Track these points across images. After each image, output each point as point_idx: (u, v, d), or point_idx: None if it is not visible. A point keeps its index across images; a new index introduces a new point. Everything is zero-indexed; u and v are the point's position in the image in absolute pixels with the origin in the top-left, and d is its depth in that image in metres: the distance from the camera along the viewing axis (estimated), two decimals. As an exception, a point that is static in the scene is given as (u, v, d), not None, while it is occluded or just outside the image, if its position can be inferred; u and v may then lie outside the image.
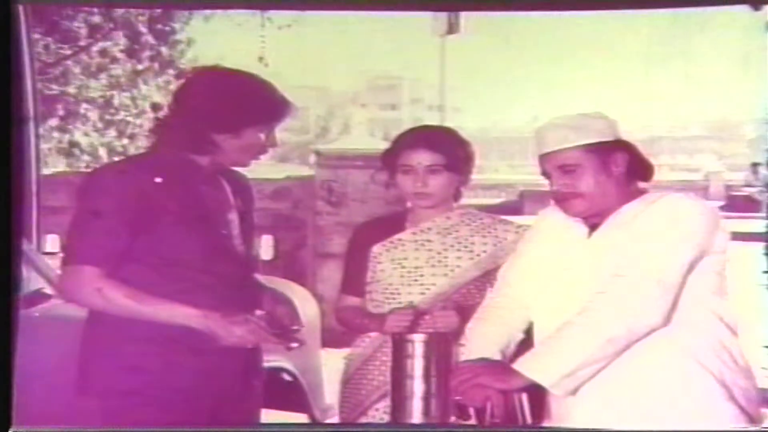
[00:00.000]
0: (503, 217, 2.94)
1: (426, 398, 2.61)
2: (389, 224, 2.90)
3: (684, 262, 2.33)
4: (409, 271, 2.81)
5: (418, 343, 2.63)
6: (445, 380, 2.62)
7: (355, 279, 2.88)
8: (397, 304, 2.76)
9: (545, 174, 2.50)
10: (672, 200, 2.39)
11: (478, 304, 2.76)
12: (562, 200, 2.47)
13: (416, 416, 2.61)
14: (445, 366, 2.64)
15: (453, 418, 2.67)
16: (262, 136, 2.58)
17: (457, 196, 2.87)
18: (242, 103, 2.58)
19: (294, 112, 2.69)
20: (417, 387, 2.60)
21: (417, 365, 2.62)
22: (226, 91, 2.61)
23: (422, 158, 2.78)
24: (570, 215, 2.47)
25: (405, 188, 2.81)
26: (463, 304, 2.77)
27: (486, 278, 2.80)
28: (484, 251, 2.80)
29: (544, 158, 2.49)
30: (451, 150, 2.79)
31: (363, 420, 2.78)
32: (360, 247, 2.89)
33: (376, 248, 2.85)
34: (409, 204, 2.85)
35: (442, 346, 2.65)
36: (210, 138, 2.54)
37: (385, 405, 2.75)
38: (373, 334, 2.79)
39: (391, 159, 2.81)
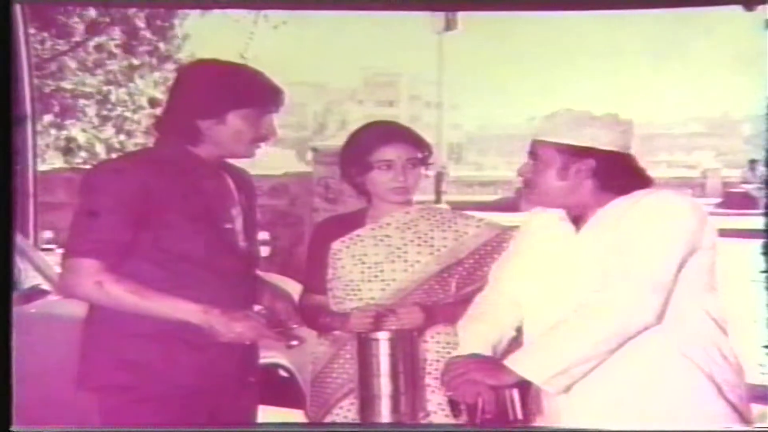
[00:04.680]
0: (464, 211, 2.92)
1: (394, 396, 2.58)
2: (349, 221, 2.87)
3: (675, 260, 2.34)
4: (369, 267, 2.76)
5: (383, 341, 2.57)
6: (412, 377, 2.62)
7: (317, 276, 2.85)
8: (358, 301, 2.70)
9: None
10: (659, 197, 2.40)
11: (440, 300, 2.75)
12: (522, 184, 2.52)
13: (384, 415, 2.58)
14: (411, 363, 2.61)
15: (436, 415, 2.67)
16: (250, 121, 2.58)
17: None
18: (224, 88, 2.59)
19: (283, 97, 2.67)
20: (384, 385, 2.57)
21: (383, 363, 2.58)
22: (211, 79, 2.63)
23: (401, 152, 2.76)
24: (524, 200, 2.52)
25: (381, 184, 2.77)
26: (425, 300, 2.75)
27: (447, 273, 2.77)
28: (445, 246, 2.77)
29: (531, 142, 2.53)
30: (421, 144, 2.79)
31: (328, 418, 2.77)
32: (320, 244, 2.85)
33: (336, 245, 2.81)
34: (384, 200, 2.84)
35: (408, 343, 2.61)
36: (195, 125, 2.54)
37: (349, 403, 2.71)
38: (336, 333, 2.78)
39: (362, 156, 2.78)
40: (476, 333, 2.48)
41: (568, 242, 2.42)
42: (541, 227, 2.50)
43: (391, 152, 2.71)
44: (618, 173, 2.40)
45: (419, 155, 2.72)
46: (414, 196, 2.78)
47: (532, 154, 2.44)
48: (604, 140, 2.38)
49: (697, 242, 2.31)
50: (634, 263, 2.26)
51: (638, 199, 2.34)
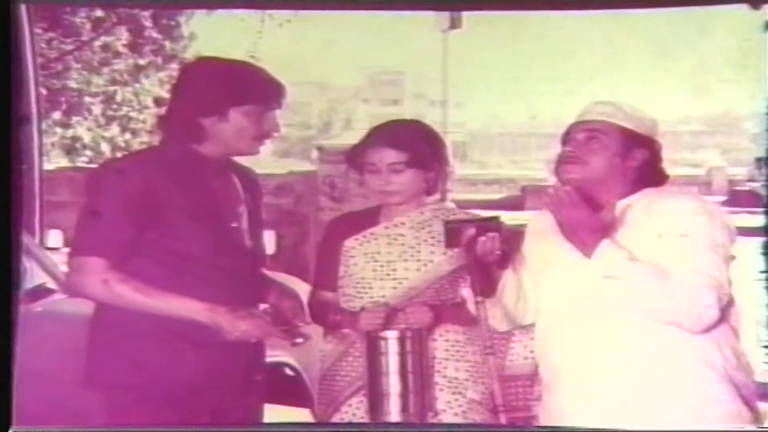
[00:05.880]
0: (477, 212, 2.93)
1: (403, 395, 2.62)
2: (363, 219, 2.88)
3: (724, 261, 2.36)
4: (381, 265, 2.76)
5: (391, 340, 2.64)
6: (421, 376, 2.64)
7: (328, 274, 2.87)
8: (369, 299, 2.73)
9: (565, 140, 2.52)
10: (685, 202, 2.40)
11: (450, 300, 2.77)
12: (561, 163, 2.49)
13: (394, 414, 2.63)
14: (420, 362, 2.66)
15: (445, 413, 2.69)
16: (253, 118, 2.59)
17: (430, 190, 2.86)
18: (225, 85, 2.60)
19: (285, 94, 2.69)
20: (393, 384, 2.62)
21: (392, 362, 2.63)
22: (212, 76, 2.65)
23: (384, 156, 2.77)
24: (558, 179, 2.50)
25: (371, 186, 2.80)
26: (435, 299, 2.76)
27: (459, 273, 2.80)
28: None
29: (576, 124, 2.50)
30: (415, 147, 2.76)
31: (337, 416, 2.79)
32: (333, 241, 2.87)
33: (349, 242, 2.80)
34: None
35: (417, 342, 2.66)
36: (198, 123, 2.56)
37: (357, 401, 2.76)
38: (344, 330, 2.79)
39: (357, 157, 2.81)
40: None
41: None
42: (547, 226, 2.50)
43: (374, 156, 2.72)
44: (654, 167, 2.41)
45: (405, 159, 2.71)
46: (409, 196, 2.77)
47: (592, 131, 2.42)
48: (655, 134, 2.41)
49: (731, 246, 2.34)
50: (694, 271, 2.25)
51: (655, 201, 2.34)
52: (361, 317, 2.65)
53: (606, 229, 2.34)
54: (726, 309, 2.34)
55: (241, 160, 2.70)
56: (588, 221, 2.33)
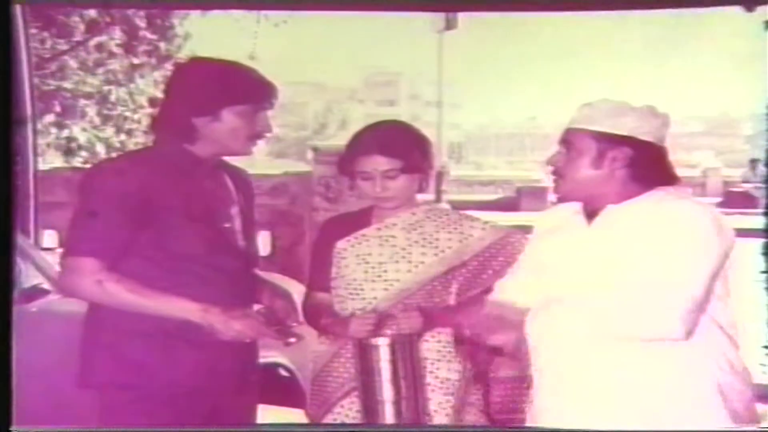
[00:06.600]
0: (469, 213, 2.92)
1: (396, 401, 2.61)
2: (355, 220, 2.87)
3: (709, 279, 2.33)
4: (372, 267, 2.72)
5: (383, 347, 2.59)
6: (413, 381, 2.63)
7: (321, 275, 2.80)
8: (361, 300, 2.70)
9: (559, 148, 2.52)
10: (690, 209, 2.36)
11: (442, 301, 2.77)
12: (552, 173, 2.49)
13: (388, 419, 2.60)
14: (412, 367, 2.64)
15: (438, 414, 2.68)
16: (245, 118, 2.59)
17: (421, 189, 2.86)
18: (216, 85, 2.60)
19: (277, 94, 2.68)
20: (386, 390, 2.59)
21: (384, 369, 2.59)
22: (205, 76, 2.64)
23: (378, 164, 2.72)
24: (553, 191, 2.49)
25: (365, 193, 2.80)
26: (427, 300, 2.76)
27: (451, 275, 2.78)
28: (449, 247, 2.77)
29: (565, 131, 2.49)
30: (406, 152, 2.75)
31: (329, 417, 2.78)
32: (326, 242, 2.86)
33: (341, 244, 2.75)
34: None
35: (408, 347, 2.63)
36: (190, 123, 2.56)
37: (350, 401, 2.72)
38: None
39: (348, 165, 2.80)
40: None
41: (580, 232, 2.40)
42: (554, 222, 2.49)
43: (367, 164, 2.70)
44: (652, 165, 2.38)
45: (399, 166, 2.70)
46: (404, 200, 2.77)
47: (566, 142, 2.40)
48: (643, 130, 2.36)
49: (726, 258, 2.31)
50: (669, 276, 2.23)
51: (661, 203, 2.32)
52: (350, 323, 2.64)
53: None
54: (718, 317, 2.32)
55: (237, 160, 2.69)
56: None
